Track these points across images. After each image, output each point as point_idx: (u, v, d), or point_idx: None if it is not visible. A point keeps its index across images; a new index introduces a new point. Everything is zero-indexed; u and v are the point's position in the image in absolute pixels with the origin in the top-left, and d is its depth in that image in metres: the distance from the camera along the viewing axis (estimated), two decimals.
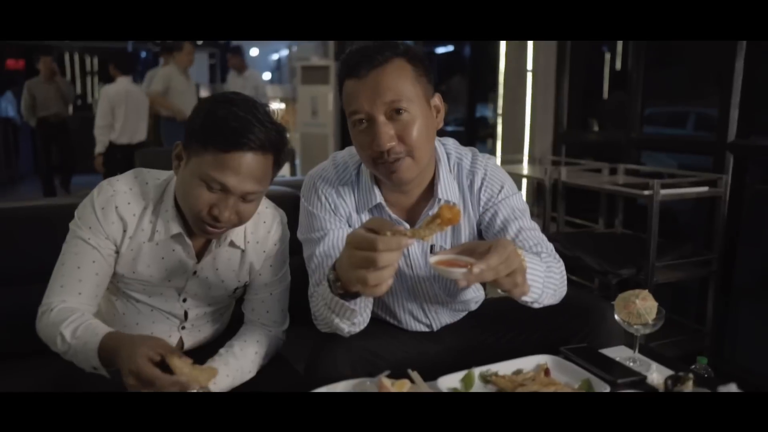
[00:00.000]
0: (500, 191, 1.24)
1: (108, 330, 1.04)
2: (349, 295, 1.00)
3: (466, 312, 1.38)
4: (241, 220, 1.09)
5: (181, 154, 1.09)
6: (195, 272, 1.18)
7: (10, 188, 7.68)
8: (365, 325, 1.12)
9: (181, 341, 1.24)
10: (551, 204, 2.68)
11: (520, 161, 3.38)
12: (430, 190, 1.21)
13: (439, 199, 1.19)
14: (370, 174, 1.20)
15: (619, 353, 1.18)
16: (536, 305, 1.12)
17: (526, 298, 1.06)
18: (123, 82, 4.41)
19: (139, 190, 1.14)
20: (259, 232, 1.21)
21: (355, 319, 1.06)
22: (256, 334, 1.20)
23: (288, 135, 1.08)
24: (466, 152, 1.28)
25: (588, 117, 3.36)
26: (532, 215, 1.39)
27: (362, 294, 0.98)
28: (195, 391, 0.97)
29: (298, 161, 6.56)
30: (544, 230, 2.69)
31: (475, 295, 1.36)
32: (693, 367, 1.23)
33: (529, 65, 3.27)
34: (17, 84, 9.19)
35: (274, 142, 1.06)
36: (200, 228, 1.09)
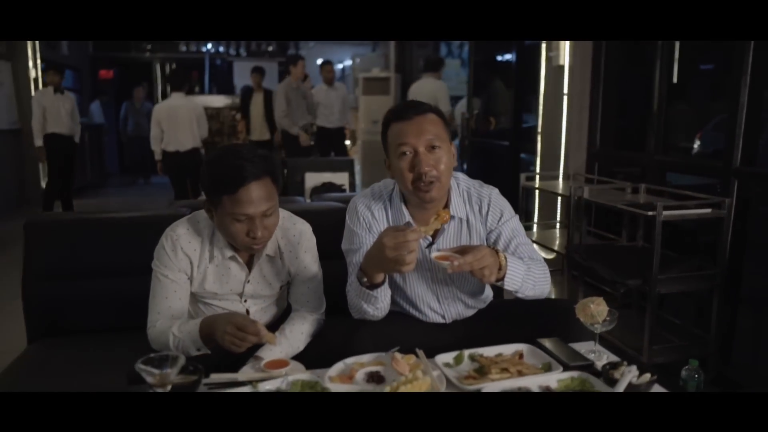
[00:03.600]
0: (500, 217, 1.64)
1: (200, 319, 1.48)
2: (373, 286, 1.44)
3: (476, 309, 1.75)
4: (271, 231, 1.50)
5: (210, 208, 1.49)
6: (248, 281, 1.61)
7: (102, 187, 8.65)
8: (385, 311, 1.54)
9: None
10: (576, 217, 2.97)
11: (556, 177, 3.66)
12: (445, 209, 1.61)
13: (452, 216, 1.59)
14: (401, 197, 1.62)
15: (585, 346, 1.51)
16: (520, 295, 1.52)
17: (509, 288, 1.47)
18: (174, 98, 5.14)
19: (194, 229, 1.57)
20: (291, 242, 1.62)
21: (377, 304, 1.49)
22: (301, 318, 1.61)
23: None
24: (474, 183, 1.68)
25: (620, 136, 3.59)
26: (563, 227, 1.81)
27: (398, 273, 1.46)
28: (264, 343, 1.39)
29: (358, 167, 6.97)
30: (569, 242, 2.99)
31: (484, 295, 1.73)
32: (686, 367, 1.51)
33: (565, 89, 3.54)
34: (106, 93, 10.23)
35: (265, 169, 1.44)
36: (247, 248, 1.51)
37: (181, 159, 5.16)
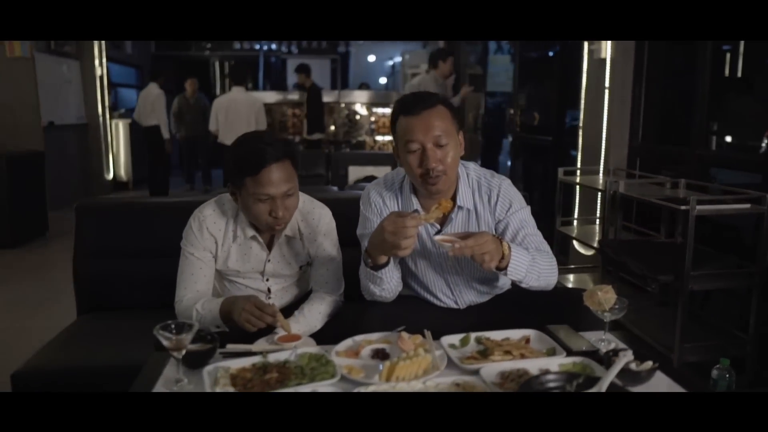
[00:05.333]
0: (509, 208, 1.65)
1: (223, 298, 1.58)
2: (377, 267, 1.51)
3: (491, 296, 1.77)
4: (291, 211, 1.58)
5: (234, 191, 1.59)
6: (269, 260, 1.70)
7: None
8: (394, 293, 1.60)
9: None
10: (610, 212, 2.92)
11: (596, 172, 3.60)
12: (453, 199, 1.64)
13: (459, 206, 1.61)
14: (411, 187, 1.65)
15: (597, 335, 1.51)
16: (524, 285, 1.54)
17: (512, 277, 1.50)
18: (235, 92, 5.33)
19: (220, 210, 1.68)
20: (310, 225, 1.70)
21: (383, 285, 1.55)
22: (319, 299, 1.69)
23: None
24: (486, 173, 1.69)
25: (664, 131, 3.49)
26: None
27: (395, 256, 1.49)
28: (277, 327, 1.47)
29: None
30: (603, 236, 2.94)
31: (500, 283, 1.74)
32: (717, 366, 1.49)
33: (607, 82, 3.47)
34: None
35: (285, 152, 1.54)
36: (270, 228, 1.60)
37: None
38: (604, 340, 1.47)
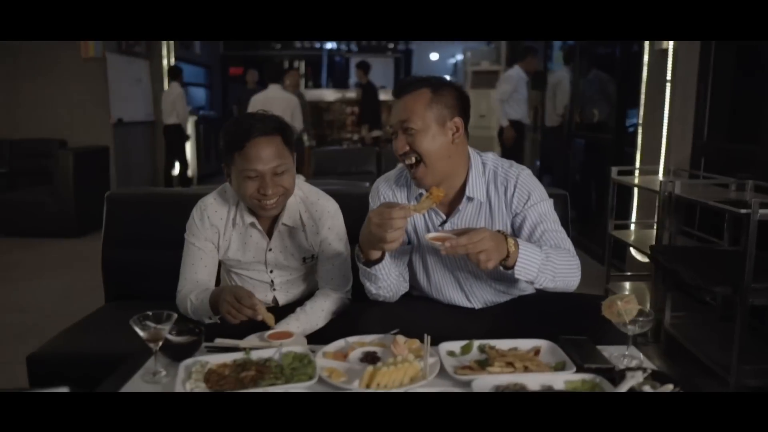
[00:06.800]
0: (527, 200, 1.51)
1: (213, 289, 1.55)
2: (370, 263, 1.42)
3: (511, 296, 1.62)
4: (285, 189, 1.51)
5: (228, 173, 1.54)
6: (270, 249, 1.64)
7: (219, 177, 9.34)
8: (391, 291, 1.50)
9: (275, 299, 1.71)
10: (665, 215, 2.67)
11: (656, 172, 3.32)
12: (462, 189, 1.52)
13: (468, 197, 1.50)
14: None
15: (619, 350, 1.35)
16: (537, 286, 1.40)
17: (521, 278, 1.36)
18: (271, 89, 5.36)
19: (221, 198, 1.64)
20: (312, 218, 1.63)
21: (378, 283, 1.46)
22: (323, 296, 1.61)
23: None
24: (504, 163, 1.56)
25: (733, 129, 3.16)
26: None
27: (384, 250, 1.39)
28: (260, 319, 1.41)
29: None
30: (657, 242, 2.70)
31: (517, 281, 1.59)
32: None
33: (669, 75, 3.20)
34: (235, 90, 11.05)
35: (274, 127, 1.48)
36: (260, 207, 1.52)
37: None
38: (627, 356, 1.31)
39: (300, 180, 1.69)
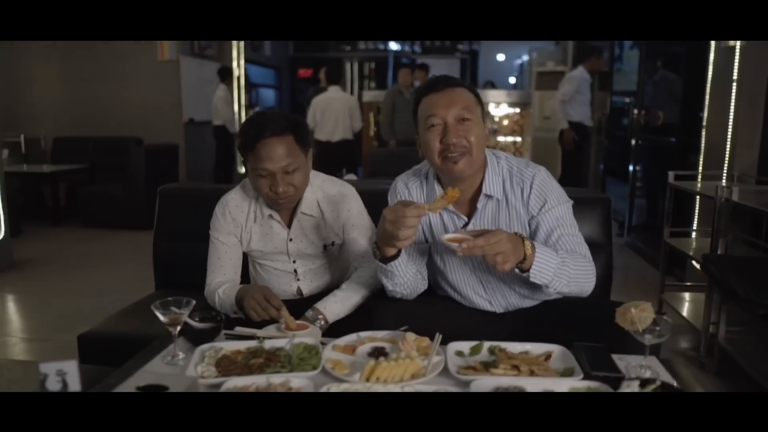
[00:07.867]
0: (544, 204, 1.49)
1: (240, 286, 1.61)
2: (386, 259, 1.44)
3: (537, 301, 1.59)
4: (296, 187, 1.56)
5: (247, 170, 1.59)
6: (291, 239, 1.69)
7: None
8: (409, 288, 1.51)
9: (299, 290, 1.77)
10: (718, 223, 2.52)
11: (719, 177, 3.14)
12: (480, 189, 1.52)
13: (486, 195, 1.49)
14: (435, 176, 1.56)
15: (636, 360, 1.30)
16: (551, 290, 1.39)
17: (536, 281, 1.35)
18: (331, 91, 5.45)
19: (242, 193, 1.71)
20: (331, 202, 1.67)
21: (395, 279, 1.48)
22: (357, 276, 1.66)
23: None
24: (519, 163, 1.55)
25: None
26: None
27: (397, 247, 1.40)
28: (282, 325, 1.44)
29: None
30: (712, 251, 2.55)
31: (536, 285, 1.53)
32: None
33: (735, 74, 3.01)
34: (303, 91, 11.34)
35: (287, 127, 1.52)
36: (274, 203, 1.59)
37: (331, 148, 5.55)
38: (644, 367, 1.27)
39: (315, 172, 1.74)
